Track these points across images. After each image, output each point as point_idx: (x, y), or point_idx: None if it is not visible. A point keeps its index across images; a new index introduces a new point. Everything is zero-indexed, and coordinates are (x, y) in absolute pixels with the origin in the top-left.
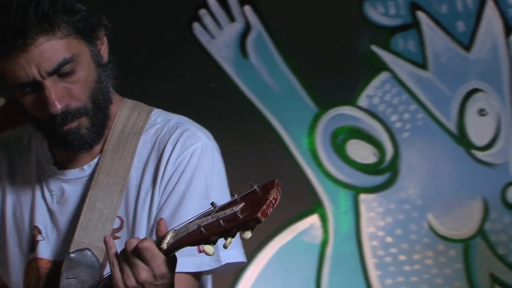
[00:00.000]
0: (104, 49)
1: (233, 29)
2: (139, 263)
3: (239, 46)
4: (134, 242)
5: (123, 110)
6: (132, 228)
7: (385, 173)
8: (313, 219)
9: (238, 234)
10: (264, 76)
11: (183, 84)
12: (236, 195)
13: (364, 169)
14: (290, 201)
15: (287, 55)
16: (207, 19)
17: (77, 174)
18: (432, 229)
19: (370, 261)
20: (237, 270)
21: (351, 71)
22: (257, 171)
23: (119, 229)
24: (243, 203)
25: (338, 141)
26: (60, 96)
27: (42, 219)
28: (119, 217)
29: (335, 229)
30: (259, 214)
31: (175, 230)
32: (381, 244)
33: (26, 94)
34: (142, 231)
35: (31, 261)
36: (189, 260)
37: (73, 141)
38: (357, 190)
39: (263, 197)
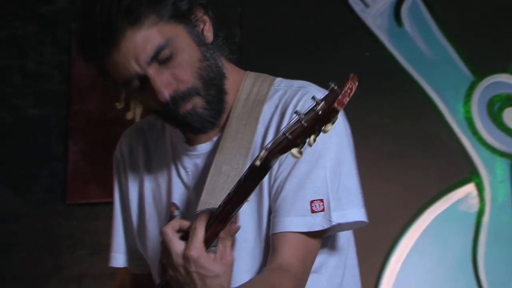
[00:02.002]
0: (208, 28)
1: None
2: (176, 239)
3: (393, 14)
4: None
5: (246, 81)
6: (257, 191)
7: None
8: (469, 188)
9: (353, 197)
10: (419, 44)
11: (337, 53)
12: (316, 98)
13: None
14: (446, 169)
15: (442, 23)
16: None
17: (208, 147)
18: None
19: None
20: (392, 239)
21: (508, 38)
22: (412, 139)
23: None
24: (323, 102)
25: (494, 109)
26: (166, 83)
27: (178, 196)
28: None
29: (491, 198)
30: (335, 104)
31: (266, 147)
32: None
33: (135, 90)
34: (265, 193)
35: (161, 244)
36: (301, 220)
37: (193, 123)
38: None
39: (339, 90)
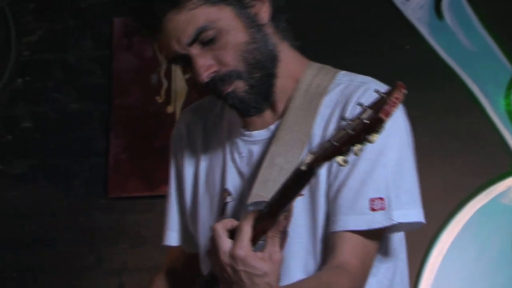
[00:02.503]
0: (265, 9)
1: None
2: (225, 237)
3: (434, 7)
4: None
5: (308, 71)
6: (312, 185)
7: None
8: (511, 182)
9: (412, 194)
10: (460, 37)
11: (377, 46)
12: (364, 104)
13: None
14: (487, 163)
15: (483, 16)
16: None
17: (264, 135)
18: None
19: None
20: (433, 233)
21: None
22: (453, 133)
23: None
24: (370, 111)
25: None
26: (207, 65)
27: (232, 182)
28: None
29: None
30: (381, 114)
31: (312, 152)
32: None
33: (182, 68)
34: (322, 187)
35: (210, 242)
36: (360, 218)
37: (235, 105)
38: None
39: (386, 99)
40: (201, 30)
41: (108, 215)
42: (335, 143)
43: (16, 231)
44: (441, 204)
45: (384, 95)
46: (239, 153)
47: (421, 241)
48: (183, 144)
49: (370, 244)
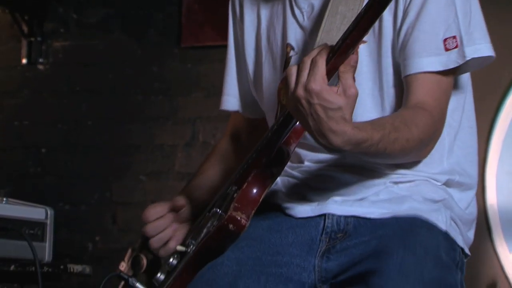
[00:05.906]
0: None
1: None
2: (303, 72)
3: None
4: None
5: None
6: (376, 32)
7: None
8: None
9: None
10: None
11: None
12: None
13: None
14: None
15: None
16: None
17: None
18: None
19: None
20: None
21: None
22: None
23: None
24: None
25: None
26: None
27: (293, 36)
28: None
29: None
30: None
31: None
32: None
33: None
34: (387, 33)
35: (285, 78)
36: (435, 59)
37: None
38: None
39: None
40: None
41: (182, 64)
42: None
43: (91, 80)
44: None
45: None
46: (300, 8)
47: (497, 85)
48: (243, 6)
49: (445, 84)
